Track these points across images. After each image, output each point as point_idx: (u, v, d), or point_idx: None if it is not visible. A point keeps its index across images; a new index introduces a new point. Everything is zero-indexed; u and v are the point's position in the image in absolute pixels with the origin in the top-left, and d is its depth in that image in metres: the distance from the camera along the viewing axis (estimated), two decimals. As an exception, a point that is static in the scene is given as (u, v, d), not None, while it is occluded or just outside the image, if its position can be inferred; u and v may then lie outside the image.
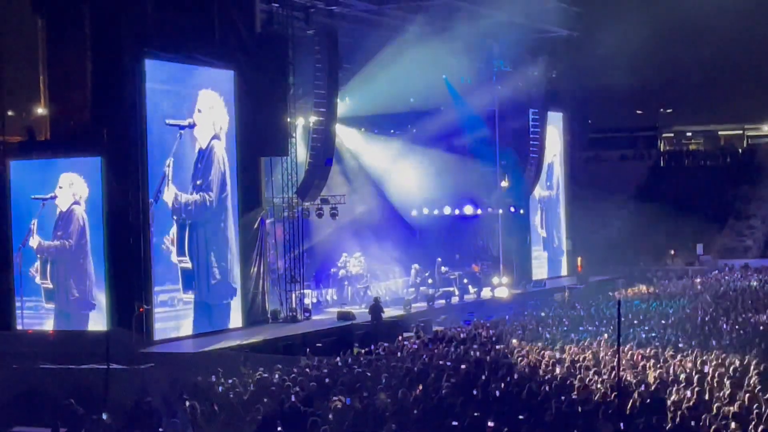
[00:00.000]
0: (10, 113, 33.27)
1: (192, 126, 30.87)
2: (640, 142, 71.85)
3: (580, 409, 17.47)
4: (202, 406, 18.34)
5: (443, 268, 42.27)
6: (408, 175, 45.08)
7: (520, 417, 17.30)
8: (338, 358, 25.05)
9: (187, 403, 18.41)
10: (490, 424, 16.80)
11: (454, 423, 16.91)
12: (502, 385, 19.59)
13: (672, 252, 57.49)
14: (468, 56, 42.35)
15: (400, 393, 18.83)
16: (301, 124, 36.36)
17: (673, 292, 39.10)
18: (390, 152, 44.34)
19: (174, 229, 30.16)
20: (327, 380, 21.20)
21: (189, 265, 30.50)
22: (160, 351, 28.07)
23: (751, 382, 19.43)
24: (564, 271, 51.05)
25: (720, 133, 75.04)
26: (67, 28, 29.99)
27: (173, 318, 30.00)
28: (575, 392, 18.71)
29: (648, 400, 18.03)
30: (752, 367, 20.76)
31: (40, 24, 30.41)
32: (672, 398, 18.16)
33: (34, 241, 30.18)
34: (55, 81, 30.45)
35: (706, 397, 18.28)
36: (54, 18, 30.27)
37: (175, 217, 30.22)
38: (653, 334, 27.39)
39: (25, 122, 32.65)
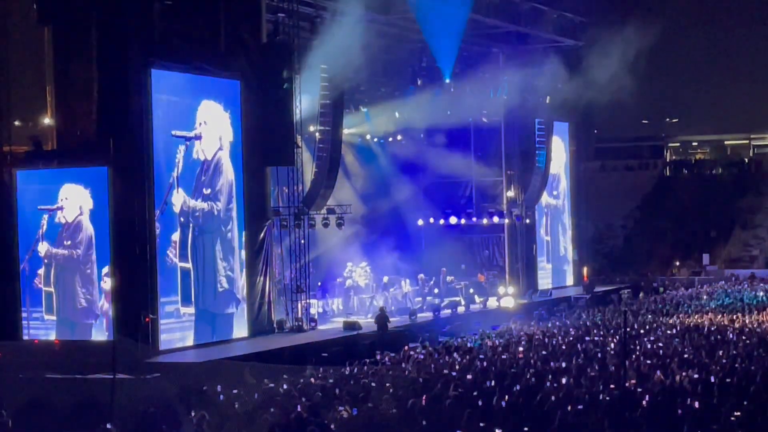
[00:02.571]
0: (16, 123, 33.30)
1: (198, 137, 30.91)
2: (646, 151, 71.93)
3: (585, 420, 17.43)
4: (208, 416, 18.33)
5: (449, 278, 42.29)
6: (413, 184, 45.21)
7: (525, 429, 17.27)
8: (344, 368, 25.02)
9: (193, 413, 18.41)
10: (496, 433, 16.80)
11: (460, 433, 16.90)
12: (507, 396, 19.53)
13: (678, 263, 57.48)
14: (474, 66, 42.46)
15: (409, 403, 18.78)
16: (307, 134, 36.36)
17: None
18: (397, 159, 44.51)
19: (178, 232, 30.16)
20: (334, 390, 21.17)
21: (189, 265, 30.41)
22: (165, 361, 28.07)
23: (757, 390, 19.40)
24: (570, 281, 51.02)
25: (726, 142, 75.11)
26: (74, 39, 30.05)
27: (179, 328, 30.00)
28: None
29: (655, 410, 18.00)
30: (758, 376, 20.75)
31: (47, 34, 30.47)
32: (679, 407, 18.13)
33: (43, 247, 30.19)
34: (62, 91, 30.50)
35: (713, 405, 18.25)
36: (61, 28, 30.32)
37: (181, 219, 30.19)
38: (660, 344, 27.35)
39: (32, 132, 32.67)
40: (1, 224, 30.76)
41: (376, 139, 44.50)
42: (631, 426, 17.03)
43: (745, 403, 18.15)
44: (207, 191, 31.13)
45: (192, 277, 30.51)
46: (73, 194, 29.82)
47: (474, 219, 45.93)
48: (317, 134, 35.01)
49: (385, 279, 39.88)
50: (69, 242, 29.93)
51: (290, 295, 34.16)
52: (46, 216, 30.10)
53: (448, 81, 42.90)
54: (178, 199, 30.06)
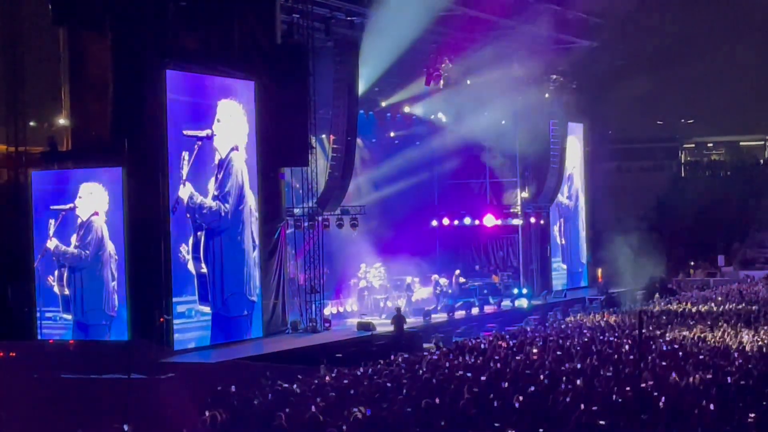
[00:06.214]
0: (32, 124, 33.45)
1: (211, 137, 30.91)
2: (661, 152, 71.76)
3: (600, 421, 17.38)
4: (222, 416, 18.34)
5: (462, 279, 42.23)
6: (428, 185, 45.22)
7: (540, 430, 17.22)
8: (359, 369, 25.00)
9: (207, 413, 18.42)
10: (511, 435, 16.76)
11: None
12: (521, 397, 19.48)
13: (693, 264, 57.30)
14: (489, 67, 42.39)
15: (423, 404, 18.75)
16: (322, 134, 36.34)
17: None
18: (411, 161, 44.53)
19: (191, 235, 30.14)
20: (349, 391, 21.15)
21: (204, 269, 30.44)
22: (180, 361, 28.09)
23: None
24: (584, 282, 50.92)
25: (741, 143, 74.94)
26: (89, 40, 30.14)
27: (193, 329, 30.02)
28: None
29: (670, 411, 17.93)
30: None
31: (63, 35, 30.56)
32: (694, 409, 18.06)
33: (52, 243, 30.19)
34: (77, 92, 30.56)
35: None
36: (76, 29, 30.42)
37: (188, 215, 30.03)
38: (676, 346, 27.24)
39: (47, 133, 32.81)
40: (15, 224, 30.89)
41: (392, 134, 44.48)
42: (647, 427, 16.97)
43: (764, 403, 18.08)
44: (216, 192, 31.08)
45: (207, 279, 30.52)
46: (89, 192, 29.86)
47: (488, 220, 45.87)
48: (332, 135, 34.99)
49: (408, 279, 39.80)
50: (78, 243, 29.98)
51: (304, 295, 34.14)
52: (58, 216, 30.17)
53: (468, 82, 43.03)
54: (185, 192, 29.94)
